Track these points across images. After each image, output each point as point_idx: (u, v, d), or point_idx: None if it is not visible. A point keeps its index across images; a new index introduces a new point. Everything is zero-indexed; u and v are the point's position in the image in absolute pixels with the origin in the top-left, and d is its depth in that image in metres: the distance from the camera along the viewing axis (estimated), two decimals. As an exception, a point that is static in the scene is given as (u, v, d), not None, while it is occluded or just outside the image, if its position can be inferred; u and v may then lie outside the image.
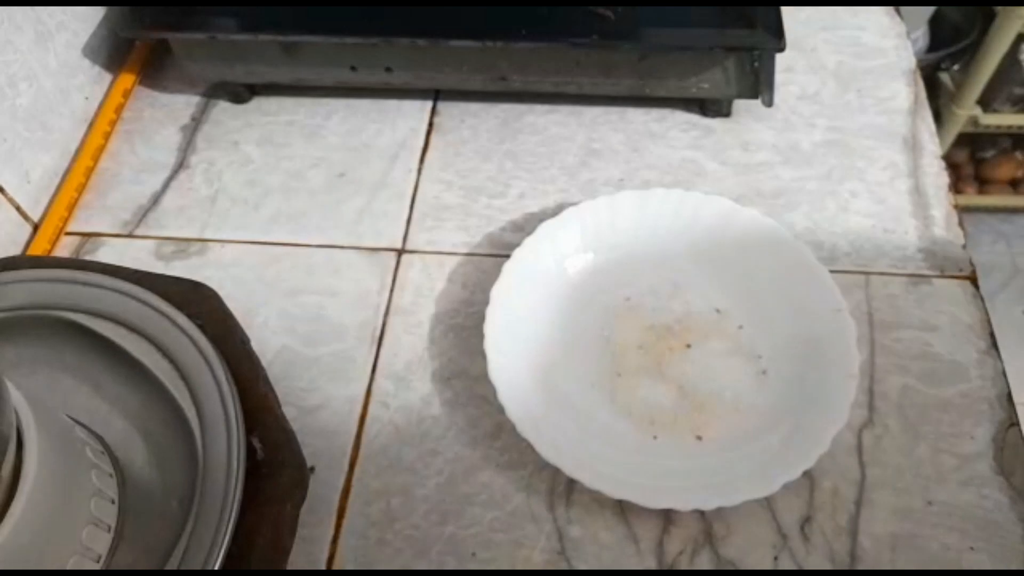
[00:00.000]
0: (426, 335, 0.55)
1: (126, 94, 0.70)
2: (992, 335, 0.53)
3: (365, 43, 0.61)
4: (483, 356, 0.50)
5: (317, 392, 0.53)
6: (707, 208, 0.56)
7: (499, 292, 0.53)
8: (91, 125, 0.67)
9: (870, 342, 0.52)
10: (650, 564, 0.46)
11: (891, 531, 0.46)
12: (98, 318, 0.47)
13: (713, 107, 0.64)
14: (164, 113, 0.69)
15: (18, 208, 0.60)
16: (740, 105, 0.65)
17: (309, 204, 0.62)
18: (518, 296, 0.53)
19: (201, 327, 0.46)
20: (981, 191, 1.67)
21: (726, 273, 0.54)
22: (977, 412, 0.50)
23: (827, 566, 0.45)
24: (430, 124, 0.67)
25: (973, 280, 0.56)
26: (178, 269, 0.59)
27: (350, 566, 0.47)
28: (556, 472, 0.46)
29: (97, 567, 0.40)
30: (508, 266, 0.54)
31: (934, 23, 1.48)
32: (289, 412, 0.47)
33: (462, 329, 0.55)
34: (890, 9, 0.72)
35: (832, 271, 0.52)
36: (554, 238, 0.55)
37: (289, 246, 0.60)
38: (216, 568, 0.39)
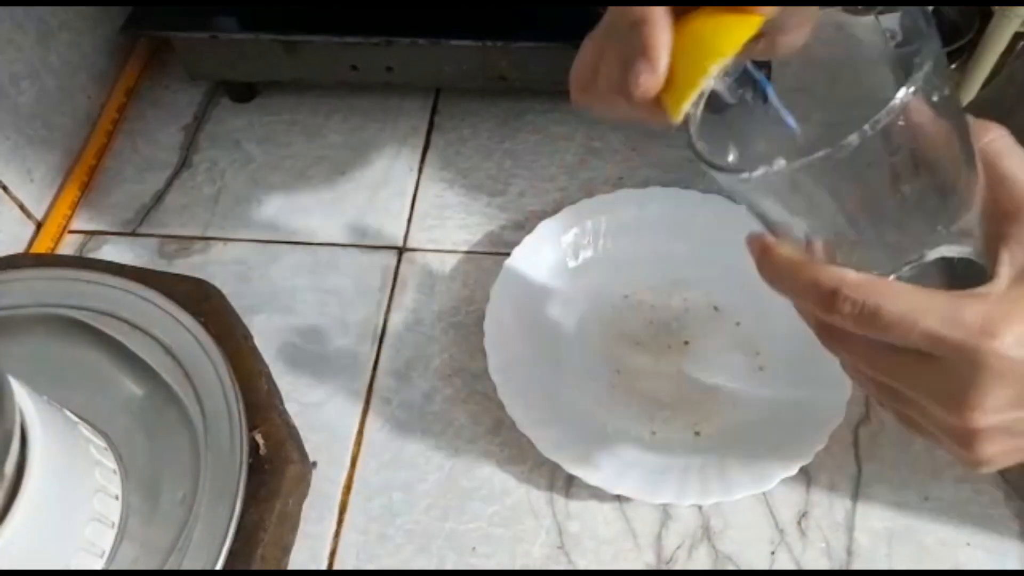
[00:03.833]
0: (427, 332, 0.55)
1: (128, 93, 0.70)
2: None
3: (366, 42, 0.61)
4: (483, 353, 0.50)
5: (319, 388, 0.53)
6: (704, 206, 0.56)
7: (499, 290, 0.53)
8: (94, 124, 0.68)
9: (867, 339, 0.53)
10: (648, 558, 0.46)
11: (887, 526, 0.47)
12: (101, 316, 0.47)
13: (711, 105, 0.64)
14: (167, 112, 0.69)
15: (21, 206, 0.61)
16: (738, 104, 0.65)
17: (311, 202, 0.63)
18: (518, 294, 0.53)
19: (204, 324, 0.46)
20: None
21: (723, 270, 0.55)
22: (973, 408, 0.50)
23: (824, 561, 0.46)
24: (431, 123, 0.67)
25: (969, 278, 0.56)
26: (181, 267, 0.59)
27: (352, 561, 0.47)
28: (555, 467, 0.47)
29: (101, 563, 0.41)
30: (508, 264, 0.54)
31: (932, 22, 1.48)
32: (291, 408, 0.47)
33: (463, 326, 0.55)
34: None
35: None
36: (554, 236, 0.56)
37: (291, 244, 0.60)
38: (219, 564, 0.39)
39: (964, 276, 0.29)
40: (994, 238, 0.28)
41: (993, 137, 0.28)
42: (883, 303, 0.26)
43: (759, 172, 0.26)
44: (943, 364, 0.26)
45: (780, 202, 0.28)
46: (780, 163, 0.26)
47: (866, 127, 0.25)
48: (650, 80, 0.29)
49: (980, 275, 0.28)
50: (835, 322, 0.28)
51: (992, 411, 0.26)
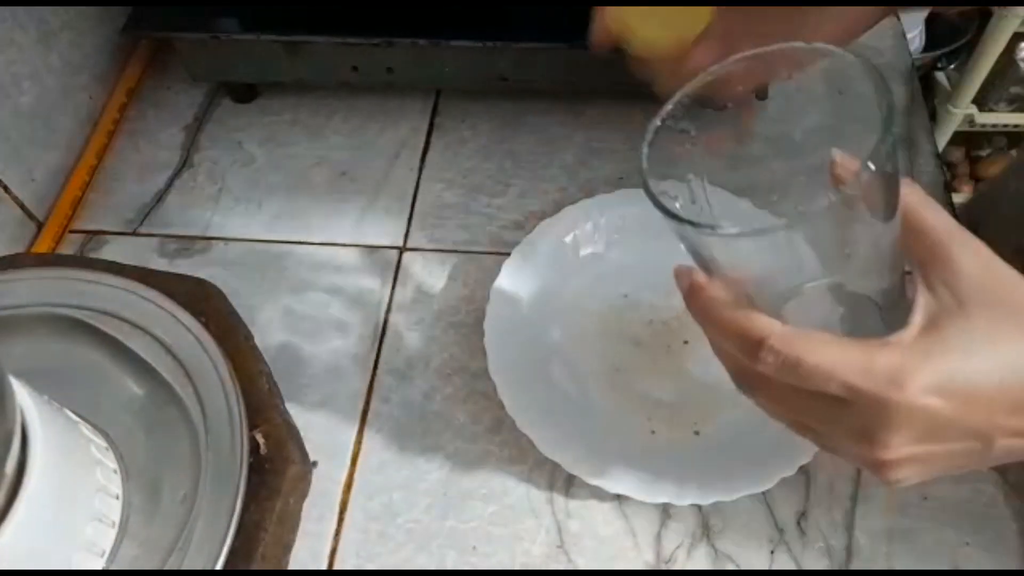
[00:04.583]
0: (427, 332, 0.55)
1: (130, 93, 0.70)
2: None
3: (367, 43, 0.61)
4: (483, 352, 0.50)
5: (320, 388, 0.53)
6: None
7: (499, 289, 0.53)
8: (95, 124, 0.68)
9: (866, 339, 0.53)
10: (648, 558, 0.46)
11: (887, 526, 0.47)
12: (102, 315, 0.47)
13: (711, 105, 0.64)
14: (168, 112, 0.69)
15: (22, 206, 0.61)
16: (738, 104, 0.65)
17: (311, 203, 0.63)
18: (518, 294, 0.54)
19: (205, 324, 0.46)
20: (977, 189, 1.68)
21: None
22: (972, 408, 0.50)
23: (823, 560, 0.46)
24: (431, 123, 0.67)
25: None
26: (182, 267, 0.59)
27: (352, 560, 0.47)
28: (555, 467, 0.47)
29: (101, 563, 0.41)
30: (508, 264, 0.54)
31: (931, 22, 1.48)
32: (292, 408, 0.47)
33: (463, 326, 0.55)
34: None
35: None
36: (554, 236, 0.56)
37: (292, 244, 0.60)
38: (219, 563, 0.39)
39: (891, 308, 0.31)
40: (916, 283, 0.30)
41: (909, 190, 0.30)
42: (803, 355, 0.28)
43: (732, 232, 0.28)
44: (856, 407, 0.29)
45: (729, 251, 0.30)
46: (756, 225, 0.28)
47: (831, 197, 0.26)
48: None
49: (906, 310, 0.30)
50: (756, 368, 0.30)
51: (900, 446, 0.29)
